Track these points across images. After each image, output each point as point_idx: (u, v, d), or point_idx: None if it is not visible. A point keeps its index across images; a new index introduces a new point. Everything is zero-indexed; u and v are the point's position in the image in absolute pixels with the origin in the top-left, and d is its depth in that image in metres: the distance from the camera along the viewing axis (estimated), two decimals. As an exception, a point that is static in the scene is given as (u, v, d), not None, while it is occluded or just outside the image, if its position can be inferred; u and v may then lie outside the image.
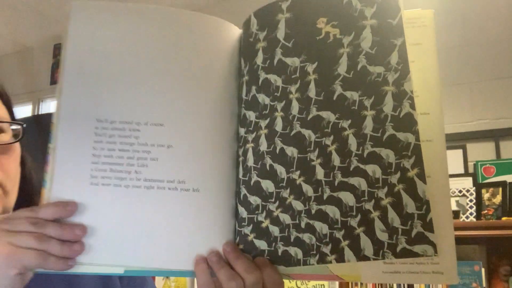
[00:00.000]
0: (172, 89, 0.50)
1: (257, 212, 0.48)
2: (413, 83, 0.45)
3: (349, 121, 0.46)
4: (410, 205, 0.43)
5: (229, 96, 0.52)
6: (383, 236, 0.44)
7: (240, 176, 0.50)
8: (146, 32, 0.51)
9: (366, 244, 0.44)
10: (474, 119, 2.26)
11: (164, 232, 0.47)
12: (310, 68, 0.48)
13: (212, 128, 0.51)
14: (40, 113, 3.49)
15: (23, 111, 3.63)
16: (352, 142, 0.46)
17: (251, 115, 0.50)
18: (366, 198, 0.45)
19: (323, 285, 2.03)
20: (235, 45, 0.54)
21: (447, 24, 2.38)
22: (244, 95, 0.51)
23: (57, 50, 3.59)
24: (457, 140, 2.27)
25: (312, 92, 0.48)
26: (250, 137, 0.50)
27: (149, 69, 0.50)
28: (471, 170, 2.21)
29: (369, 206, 0.44)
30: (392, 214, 0.44)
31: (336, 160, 0.46)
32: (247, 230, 0.48)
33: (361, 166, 0.45)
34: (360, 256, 0.44)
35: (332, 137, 0.46)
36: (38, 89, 3.59)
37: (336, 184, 0.46)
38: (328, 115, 0.47)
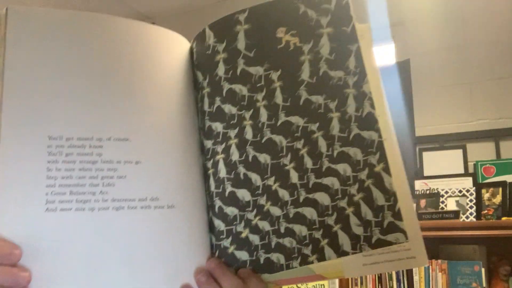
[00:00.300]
0: (133, 101, 0.47)
1: (235, 223, 0.48)
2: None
3: (317, 124, 0.48)
4: (379, 198, 0.46)
5: (188, 109, 0.51)
6: (358, 230, 0.46)
7: (213, 188, 0.49)
8: (97, 41, 0.47)
9: (344, 239, 0.46)
10: (474, 119, 2.26)
11: (141, 256, 0.43)
12: (275, 75, 0.49)
13: (178, 141, 0.49)
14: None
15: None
16: (322, 144, 0.47)
17: (218, 126, 0.50)
18: (340, 196, 0.46)
19: (323, 285, 2.03)
20: (186, 58, 0.53)
21: (447, 24, 2.38)
22: (207, 107, 0.51)
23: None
24: (457, 140, 2.27)
25: (278, 98, 0.49)
26: (219, 148, 0.50)
27: (104, 80, 0.46)
28: (471, 170, 2.21)
29: (343, 203, 0.46)
30: (364, 208, 0.46)
31: (308, 162, 0.47)
32: (226, 242, 0.48)
33: (332, 166, 0.47)
34: (340, 252, 0.46)
35: (302, 141, 0.48)
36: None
37: (310, 186, 0.47)
38: (297, 120, 0.48)
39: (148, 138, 0.46)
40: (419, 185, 2.22)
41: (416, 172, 2.28)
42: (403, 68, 2.38)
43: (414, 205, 2.09)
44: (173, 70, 0.51)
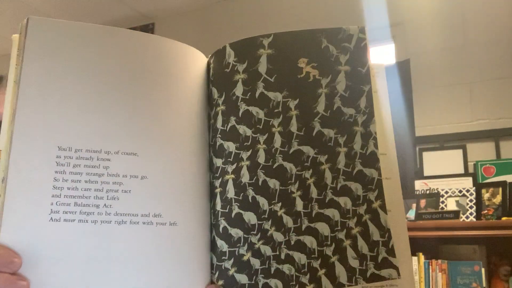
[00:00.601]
0: (144, 116, 0.47)
1: (238, 245, 0.48)
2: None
3: (326, 156, 0.49)
4: (375, 233, 0.48)
5: (201, 124, 0.51)
6: (354, 263, 0.47)
7: (219, 208, 0.49)
8: (112, 55, 0.47)
9: (340, 271, 0.47)
10: (474, 119, 2.26)
11: (139, 271, 0.43)
12: (292, 104, 0.50)
13: (186, 158, 0.49)
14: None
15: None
16: (328, 176, 0.49)
17: (231, 146, 0.50)
18: (339, 227, 0.48)
19: None
20: (203, 73, 0.53)
21: (447, 24, 2.38)
22: (220, 125, 0.51)
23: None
24: (457, 140, 2.27)
25: (294, 127, 0.50)
26: (230, 168, 0.50)
27: (117, 94, 0.46)
28: (471, 170, 2.21)
29: (341, 235, 0.48)
30: (361, 242, 0.48)
31: (314, 192, 0.49)
32: (227, 264, 0.48)
33: (335, 198, 0.49)
34: (336, 284, 0.47)
35: (311, 171, 0.49)
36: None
37: (313, 215, 0.48)
38: (308, 150, 0.49)
39: (156, 154, 0.46)
40: (419, 185, 2.22)
41: (416, 172, 2.28)
42: (403, 68, 2.38)
43: (414, 205, 2.09)
44: (188, 85, 0.51)
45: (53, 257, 0.41)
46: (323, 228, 0.48)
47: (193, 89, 0.51)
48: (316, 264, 0.47)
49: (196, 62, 0.52)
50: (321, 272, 0.47)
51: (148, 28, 3.29)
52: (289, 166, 0.49)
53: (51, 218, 0.41)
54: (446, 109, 2.31)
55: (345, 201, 0.49)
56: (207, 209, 0.50)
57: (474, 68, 2.29)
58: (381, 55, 2.53)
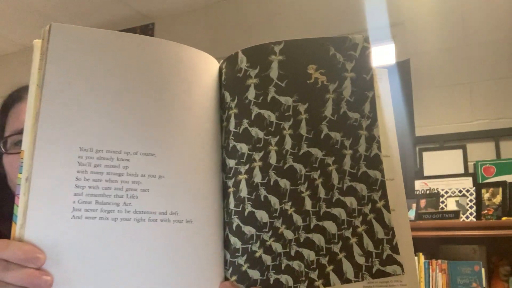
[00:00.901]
0: (161, 118, 0.49)
1: (251, 242, 0.50)
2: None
3: (333, 158, 0.52)
4: (380, 232, 0.51)
5: (213, 127, 0.53)
6: (360, 259, 0.50)
7: (232, 206, 0.51)
8: (131, 60, 0.49)
9: (347, 267, 0.50)
10: (474, 119, 2.26)
11: (157, 267, 0.45)
12: (302, 108, 0.53)
13: (201, 158, 0.51)
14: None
15: (23, 111, 3.63)
16: (335, 177, 0.52)
17: (243, 147, 0.52)
18: (345, 226, 0.51)
19: None
20: (215, 78, 0.55)
21: (447, 24, 2.38)
22: (232, 128, 0.53)
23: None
24: (457, 140, 2.27)
25: (303, 130, 0.53)
26: (243, 168, 0.52)
27: (135, 97, 0.48)
28: (471, 170, 2.21)
29: (348, 233, 0.50)
30: (366, 240, 0.50)
31: (322, 192, 0.51)
32: (241, 260, 0.50)
33: (341, 198, 0.51)
34: (343, 279, 0.49)
35: (319, 172, 0.52)
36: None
37: (321, 214, 0.51)
38: (316, 152, 0.52)
39: (173, 154, 0.48)
40: (419, 185, 2.22)
41: (416, 172, 2.28)
42: (403, 68, 2.38)
43: (414, 205, 2.09)
44: (202, 89, 0.53)
45: (75, 253, 0.43)
46: (330, 226, 0.51)
47: (206, 92, 0.53)
48: (324, 260, 0.50)
49: (209, 67, 0.55)
50: (329, 268, 0.50)
51: (148, 28, 3.30)
52: (298, 167, 0.52)
53: (73, 216, 0.43)
54: (446, 109, 2.31)
55: (351, 201, 0.51)
56: (220, 208, 0.51)
57: (474, 68, 2.29)
58: (381, 55, 2.53)
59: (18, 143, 0.68)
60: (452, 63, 2.33)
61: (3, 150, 0.73)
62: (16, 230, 0.43)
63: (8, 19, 3.31)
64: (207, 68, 0.54)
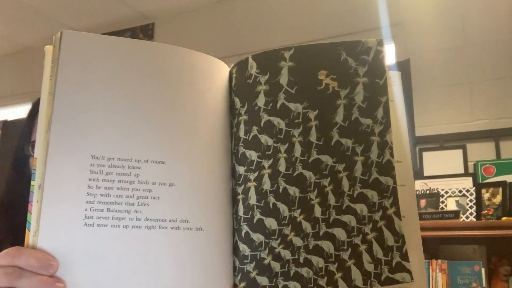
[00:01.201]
0: (172, 125, 0.49)
1: (260, 249, 0.50)
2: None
3: (343, 165, 0.51)
4: (390, 239, 0.50)
5: (223, 133, 0.53)
6: (369, 267, 0.49)
7: (241, 213, 0.51)
8: (142, 67, 0.49)
9: (356, 275, 0.49)
10: (474, 119, 2.26)
11: (167, 274, 0.46)
12: (312, 114, 0.52)
13: (211, 165, 0.51)
14: (40, 113, 3.49)
15: (23, 111, 3.63)
16: (345, 184, 0.51)
17: (253, 155, 0.52)
18: (355, 233, 0.50)
19: None
20: (225, 83, 0.55)
21: (447, 24, 2.38)
22: (242, 134, 0.53)
23: (57, 50, 3.59)
24: (457, 140, 2.27)
25: (313, 137, 0.52)
26: (252, 176, 0.52)
27: (146, 105, 0.48)
28: (471, 170, 2.21)
29: (357, 240, 0.50)
30: (376, 247, 0.50)
31: (331, 199, 0.51)
32: (249, 267, 0.50)
33: (352, 205, 0.51)
34: (352, 286, 0.49)
35: (329, 179, 0.51)
36: (38, 89, 3.58)
37: (331, 221, 0.50)
38: (327, 159, 0.52)
39: (183, 162, 0.49)
40: (419, 185, 2.22)
41: (416, 172, 2.28)
42: (403, 68, 2.38)
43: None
44: (212, 95, 0.53)
45: (87, 260, 0.43)
46: (340, 233, 0.50)
47: (217, 99, 0.53)
48: (333, 267, 0.49)
49: (220, 72, 0.55)
50: (338, 275, 0.49)
51: (148, 28, 3.30)
52: (308, 174, 0.51)
53: (85, 223, 0.44)
54: (446, 109, 2.31)
55: (361, 208, 0.50)
56: (230, 215, 0.52)
57: (474, 68, 2.29)
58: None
59: None
60: (452, 63, 2.33)
61: (31, 153, 0.74)
62: (29, 237, 0.43)
63: (8, 19, 3.31)
64: (217, 74, 0.54)
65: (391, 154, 0.51)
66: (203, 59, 0.53)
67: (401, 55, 2.46)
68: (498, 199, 2.02)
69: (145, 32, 3.30)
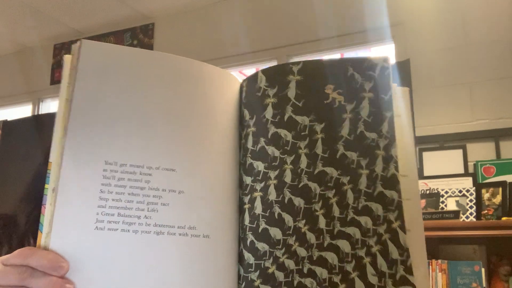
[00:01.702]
0: (183, 135, 0.51)
1: (264, 258, 0.51)
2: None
3: (348, 178, 0.51)
4: (394, 252, 0.49)
5: (232, 144, 0.55)
6: (373, 279, 0.49)
7: (247, 222, 0.52)
8: (156, 78, 0.51)
9: (360, 287, 0.49)
10: (474, 119, 2.26)
11: (174, 280, 0.47)
12: (318, 127, 0.53)
13: (219, 174, 0.52)
14: (40, 113, 3.50)
15: (23, 111, 3.63)
16: (350, 196, 0.51)
17: (260, 165, 0.53)
18: (359, 245, 0.50)
19: None
20: (236, 96, 0.57)
21: (447, 24, 2.38)
22: (250, 145, 0.55)
23: (57, 50, 3.59)
24: (457, 140, 2.27)
25: (319, 149, 0.53)
26: (258, 186, 0.53)
27: (159, 114, 0.50)
28: (471, 170, 2.21)
29: (361, 253, 0.50)
30: (380, 260, 0.49)
31: (336, 211, 0.51)
32: (253, 275, 0.51)
33: (356, 217, 0.51)
34: None
35: (334, 191, 0.51)
36: (38, 89, 3.59)
37: (335, 232, 0.50)
38: (332, 171, 0.52)
39: (192, 170, 0.50)
40: (419, 185, 2.22)
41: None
42: (403, 68, 2.38)
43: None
44: (223, 107, 0.54)
45: (97, 263, 0.44)
46: (344, 245, 0.50)
47: (227, 111, 0.55)
48: (336, 279, 0.50)
49: (231, 86, 0.56)
50: (341, 286, 0.49)
51: (148, 28, 3.30)
52: (313, 185, 0.52)
53: (97, 227, 0.45)
54: (446, 109, 2.31)
55: (365, 221, 0.50)
56: (236, 224, 0.53)
57: (474, 68, 2.29)
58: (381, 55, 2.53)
59: None
60: (452, 63, 2.33)
61: None
62: (42, 238, 0.44)
63: (8, 19, 3.31)
64: (229, 87, 0.56)
65: (396, 168, 0.51)
66: (216, 72, 0.54)
67: (401, 55, 2.46)
68: (498, 199, 2.02)
69: (145, 32, 3.30)
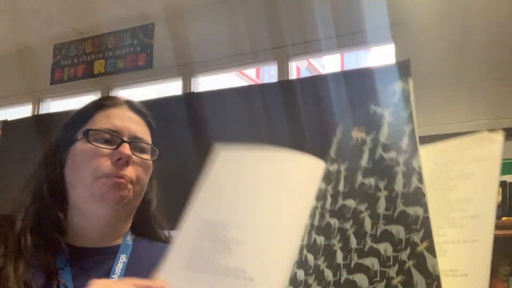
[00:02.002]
0: (261, 210, 0.61)
1: None
2: (469, 190, 0.49)
3: (366, 204, 0.48)
4: (420, 282, 0.40)
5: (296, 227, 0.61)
6: None
7: None
8: (259, 168, 0.65)
9: None
10: (474, 119, 2.26)
11: None
12: (342, 167, 0.55)
13: (277, 240, 0.59)
14: (40, 113, 3.49)
15: (23, 111, 3.63)
16: (367, 224, 0.47)
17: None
18: (378, 278, 0.44)
19: None
20: (317, 179, 0.61)
21: (447, 24, 2.38)
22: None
23: (57, 50, 3.59)
24: (457, 140, 2.26)
25: (341, 185, 0.54)
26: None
27: (246, 194, 0.63)
28: (471, 170, 2.21)
29: (380, 286, 0.43)
30: None
31: (353, 242, 0.47)
32: None
33: (374, 245, 0.45)
34: None
35: (351, 221, 0.49)
36: (38, 89, 3.59)
37: (352, 266, 0.46)
38: (350, 203, 0.50)
39: (258, 231, 0.59)
40: (419, 185, 2.22)
41: (416, 172, 2.28)
42: (403, 68, 2.38)
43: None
44: (302, 192, 0.60)
45: None
46: (361, 279, 0.45)
47: (305, 194, 0.60)
48: None
49: (313, 170, 0.61)
50: None
51: (148, 28, 3.29)
52: (333, 221, 0.51)
53: (187, 268, 0.58)
54: (446, 109, 2.31)
55: (385, 248, 0.45)
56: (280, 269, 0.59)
57: (474, 68, 2.29)
58: (381, 55, 2.53)
59: (101, 140, 0.74)
60: (452, 63, 2.33)
61: (78, 138, 0.75)
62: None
63: (8, 19, 3.31)
64: (311, 171, 0.61)
65: (420, 180, 0.45)
66: (301, 159, 0.62)
67: (401, 55, 2.46)
68: (498, 199, 2.02)
69: (145, 32, 3.30)
